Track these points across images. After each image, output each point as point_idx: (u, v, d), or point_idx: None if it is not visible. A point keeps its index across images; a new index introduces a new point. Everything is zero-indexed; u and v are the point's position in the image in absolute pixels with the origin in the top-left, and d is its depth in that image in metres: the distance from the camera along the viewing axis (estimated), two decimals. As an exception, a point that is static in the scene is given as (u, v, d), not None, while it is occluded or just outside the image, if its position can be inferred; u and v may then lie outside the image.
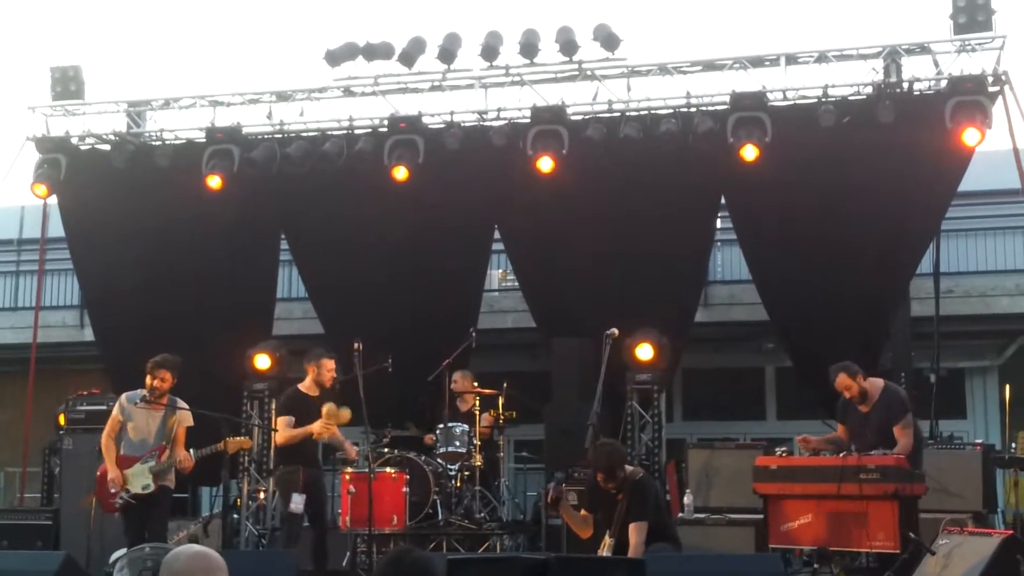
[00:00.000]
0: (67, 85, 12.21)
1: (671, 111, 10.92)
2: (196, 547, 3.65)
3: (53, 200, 12.59)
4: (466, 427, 10.24)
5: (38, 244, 14.27)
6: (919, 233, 10.89)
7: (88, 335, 14.03)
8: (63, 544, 10.40)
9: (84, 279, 13.24)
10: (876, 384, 8.49)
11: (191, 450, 8.74)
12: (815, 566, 8.00)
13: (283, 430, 8.95)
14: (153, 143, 12.24)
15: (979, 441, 10.43)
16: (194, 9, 27.57)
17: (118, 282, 12.47)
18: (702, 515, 9.47)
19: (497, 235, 12.30)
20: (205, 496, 13.12)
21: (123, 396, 8.86)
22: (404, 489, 9.46)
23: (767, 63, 10.89)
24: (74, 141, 12.35)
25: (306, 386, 9.09)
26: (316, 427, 8.80)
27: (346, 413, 8.87)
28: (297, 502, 8.77)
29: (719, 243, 13.60)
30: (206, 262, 12.20)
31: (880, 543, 7.73)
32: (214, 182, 11.45)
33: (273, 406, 11.50)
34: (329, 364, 9.10)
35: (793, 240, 10.96)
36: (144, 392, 8.70)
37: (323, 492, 9.23)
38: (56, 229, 13.23)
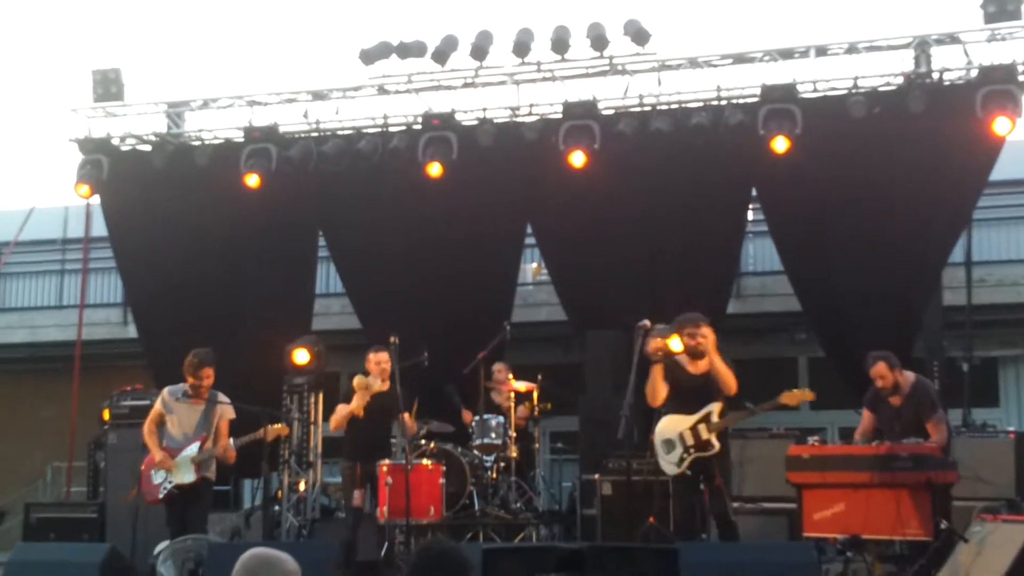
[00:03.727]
0: (108, 87, 12.41)
1: (702, 104, 10.99)
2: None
3: (96, 200, 12.86)
4: (502, 419, 10.38)
5: (82, 243, 14.58)
6: (950, 222, 10.87)
7: (131, 332, 14.23)
8: (108, 536, 10.60)
9: (127, 277, 13.44)
10: (908, 378, 8.57)
11: (231, 439, 8.94)
12: (848, 554, 8.03)
13: (334, 415, 9.33)
14: (192, 143, 12.45)
15: (1012, 429, 10.42)
16: (231, 11, 27.86)
17: (160, 279, 12.68)
18: (736, 504, 9.51)
19: (530, 229, 12.41)
20: (247, 488, 13.33)
21: (165, 390, 9.06)
22: (441, 480, 9.56)
23: (797, 55, 10.92)
24: (115, 142, 12.57)
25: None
26: (353, 404, 9.08)
27: (375, 381, 9.08)
28: (356, 497, 9.08)
29: (751, 234, 13.60)
30: (245, 259, 12.39)
31: (913, 531, 7.76)
32: (252, 180, 11.65)
33: (312, 400, 11.73)
34: (375, 358, 9.35)
35: (825, 230, 10.98)
36: (186, 387, 8.91)
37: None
38: (99, 228, 13.48)
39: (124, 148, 12.66)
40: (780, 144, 10.36)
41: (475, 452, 10.25)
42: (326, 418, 10.99)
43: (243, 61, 26.73)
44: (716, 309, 11.58)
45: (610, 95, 11.26)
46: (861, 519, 7.93)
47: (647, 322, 8.36)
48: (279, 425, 9.19)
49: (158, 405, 9.01)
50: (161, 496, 8.82)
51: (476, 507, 10.00)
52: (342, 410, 9.18)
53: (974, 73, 10.32)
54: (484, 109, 11.54)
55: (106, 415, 11.59)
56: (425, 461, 9.64)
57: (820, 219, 10.98)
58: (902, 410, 8.45)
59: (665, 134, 10.76)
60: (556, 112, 11.24)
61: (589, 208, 11.40)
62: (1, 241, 16.23)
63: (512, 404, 10.50)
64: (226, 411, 8.99)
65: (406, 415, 9.33)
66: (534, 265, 14.61)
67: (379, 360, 9.32)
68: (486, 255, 11.95)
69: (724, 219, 11.47)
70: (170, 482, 8.76)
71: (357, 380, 9.07)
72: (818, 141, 10.51)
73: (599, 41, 10.91)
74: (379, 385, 9.17)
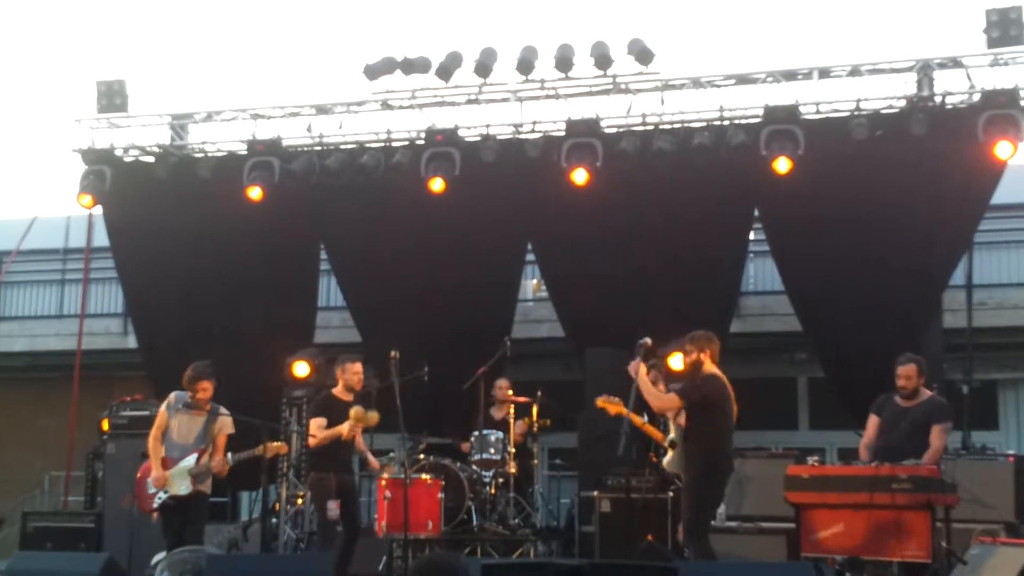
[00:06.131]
0: (112, 99, 12.45)
1: (704, 124, 11.03)
2: None
3: (98, 210, 12.88)
4: (501, 434, 10.38)
5: (83, 253, 14.58)
6: (951, 245, 10.91)
7: (131, 342, 14.27)
8: (105, 546, 10.54)
9: (128, 288, 13.47)
10: (925, 391, 8.64)
11: (229, 454, 8.92)
12: (846, 575, 8.04)
13: (315, 432, 9.01)
14: (196, 155, 12.49)
15: (1011, 452, 10.42)
16: (236, 24, 27.97)
17: (161, 290, 12.69)
18: (734, 523, 9.52)
19: (531, 246, 12.43)
20: (244, 500, 13.31)
21: (172, 395, 9.04)
22: (439, 495, 9.58)
23: (800, 76, 10.98)
24: (119, 153, 12.60)
25: (338, 391, 9.16)
26: (344, 428, 8.84)
27: (374, 416, 8.91)
28: (332, 508, 8.86)
29: (752, 254, 13.63)
30: (247, 271, 12.40)
31: (912, 553, 7.73)
32: (255, 193, 11.68)
33: (311, 413, 11.70)
34: (354, 367, 9.19)
35: (826, 252, 11.01)
36: (188, 398, 8.91)
37: (355, 497, 9.29)
38: (101, 239, 13.50)
39: (127, 159, 12.69)
40: (782, 165, 10.40)
41: (474, 467, 10.24)
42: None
43: (247, 74, 26.83)
44: (717, 329, 11.58)
45: (613, 113, 11.31)
46: (860, 539, 7.91)
47: (648, 340, 8.35)
48: (278, 443, 9.16)
49: (164, 409, 8.99)
50: (155, 505, 8.81)
51: (474, 522, 10.00)
52: (327, 431, 8.95)
53: (976, 97, 10.36)
54: (487, 125, 11.57)
55: (105, 425, 11.58)
56: (424, 476, 9.65)
57: (821, 240, 11.01)
58: (912, 412, 8.48)
59: (667, 153, 10.79)
60: (559, 129, 11.27)
61: (590, 226, 11.42)
62: (3, 250, 16.28)
63: (511, 420, 10.51)
64: (225, 425, 8.97)
65: (366, 449, 9.37)
66: (534, 281, 14.64)
67: (356, 370, 9.27)
68: (487, 271, 11.97)
69: (726, 239, 11.50)
70: (165, 492, 8.75)
71: (357, 412, 8.94)
72: (820, 162, 10.54)
73: (603, 60, 10.96)
74: (375, 421, 9.06)
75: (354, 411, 8.89)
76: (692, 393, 8.10)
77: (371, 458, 9.52)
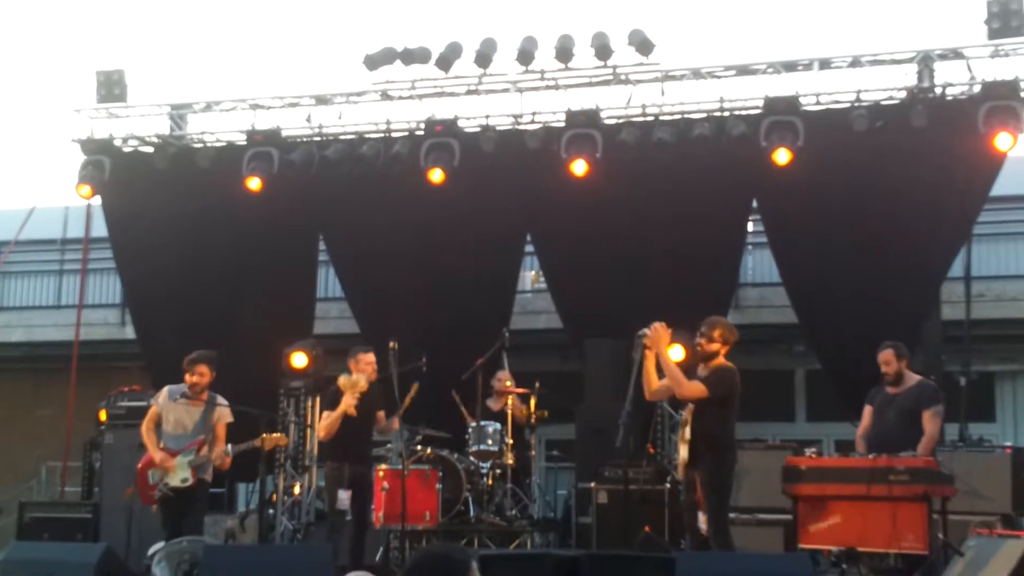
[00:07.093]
0: (111, 88, 12.44)
1: (704, 115, 11.01)
2: None
3: (97, 200, 12.86)
4: (498, 425, 10.35)
5: (81, 244, 14.56)
6: (951, 237, 10.90)
7: (129, 333, 14.26)
8: (102, 537, 10.52)
9: (126, 278, 13.45)
10: (913, 376, 8.65)
11: (228, 445, 8.91)
12: (843, 567, 8.02)
13: (322, 423, 9.05)
14: (195, 145, 12.46)
15: (1008, 444, 10.42)
16: (235, 14, 27.92)
17: (159, 281, 12.68)
18: (731, 515, 9.51)
19: (529, 237, 12.42)
20: (242, 491, 13.31)
21: (164, 390, 9.05)
22: (437, 486, 9.55)
23: (800, 67, 10.96)
24: (117, 143, 12.58)
25: None
26: (343, 405, 8.83)
27: (360, 378, 8.89)
28: (343, 498, 8.85)
29: (750, 246, 13.62)
30: (245, 262, 12.39)
31: (909, 544, 7.73)
32: (254, 184, 11.66)
33: (309, 404, 11.70)
34: (367, 358, 9.17)
35: (824, 243, 11.01)
36: (185, 388, 8.91)
37: (369, 489, 9.23)
38: (99, 229, 13.49)
39: (126, 149, 12.67)
40: (782, 156, 10.39)
41: (471, 458, 10.23)
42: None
43: (247, 64, 26.81)
44: (715, 320, 11.59)
45: (613, 104, 11.28)
46: (857, 531, 7.91)
47: (647, 331, 8.31)
48: (278, 435, 9.15)
49: (155, 404, 9.00)
50: (156, 497, 8.81)
51: (471, 513, 9.97)
52: (330, 417, 8.94)
53: (977, 88, 10.35)
54: (487, 116, 11.55)
55: (103, 415, 11.58)
56: (422, 466, 9.63)
57: (820, 232, 11.01)
58: (898, 398, 8.52)
59: (667, 144, 10.78)
60: (559, 120, 11.26)
61: (589, 217, 11.41)
62: (1, 240, 16.24)
63: (509, 411, 10.48)
64: (224, 414, 8.97)
65: (383, 414, 9.29)
66: (532, 273, 14.62)
67: (370, 360, 9.27)
68: (486, 262, 11.96)
69: (724, 230, 11.49)
70: (166, 484, 8.75)
71: (343, 380, 8.94)
72: (820, 154, 10.53)
73: (603, 50, 10.94)
74: (364, 383, 9.04)
75: (341, 380, 8.88)
76: (719, 386, 7.85)
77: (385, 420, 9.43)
